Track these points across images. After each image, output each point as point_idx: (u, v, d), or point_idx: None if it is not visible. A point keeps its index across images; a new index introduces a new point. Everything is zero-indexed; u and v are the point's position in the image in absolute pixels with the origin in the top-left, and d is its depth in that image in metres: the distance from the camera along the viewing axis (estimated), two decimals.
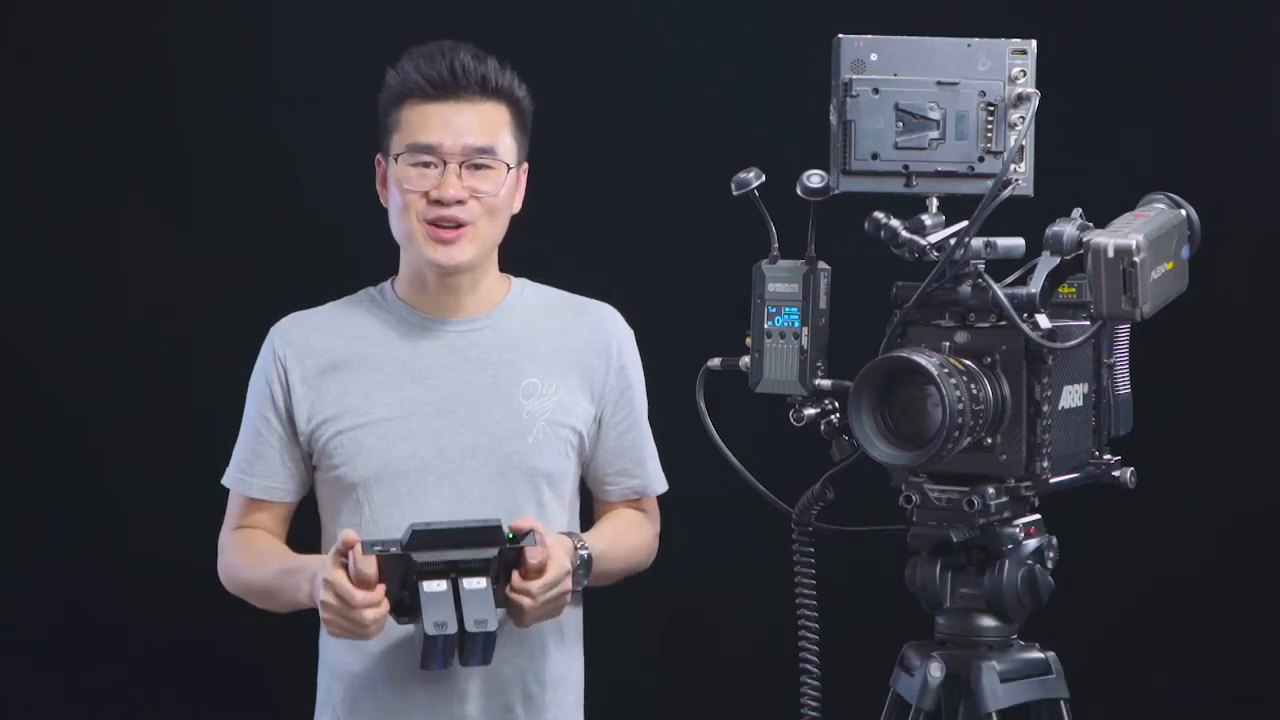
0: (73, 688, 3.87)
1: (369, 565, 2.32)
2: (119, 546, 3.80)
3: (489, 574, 2.35)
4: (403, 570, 2.33)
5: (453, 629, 2.32)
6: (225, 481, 2.64)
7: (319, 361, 2.57)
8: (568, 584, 2.42)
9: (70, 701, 3.88)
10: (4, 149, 3.79)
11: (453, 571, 2.34)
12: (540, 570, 2.38)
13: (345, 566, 2.34)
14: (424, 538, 2.33)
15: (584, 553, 2.49)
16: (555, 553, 2.41)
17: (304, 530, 2.64)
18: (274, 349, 2.59)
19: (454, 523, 2.38)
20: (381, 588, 2.33)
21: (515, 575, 2.38)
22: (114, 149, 3.79)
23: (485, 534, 2.36)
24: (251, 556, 2.57)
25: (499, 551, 2.36)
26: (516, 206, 2.60)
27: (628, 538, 2.63)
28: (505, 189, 2.54)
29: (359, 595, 2.32)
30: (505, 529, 2.37)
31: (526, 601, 2.38)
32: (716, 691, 3.91)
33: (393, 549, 2.33)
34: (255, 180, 3.80)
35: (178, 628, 3.81)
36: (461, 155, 2.51)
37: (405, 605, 2.36)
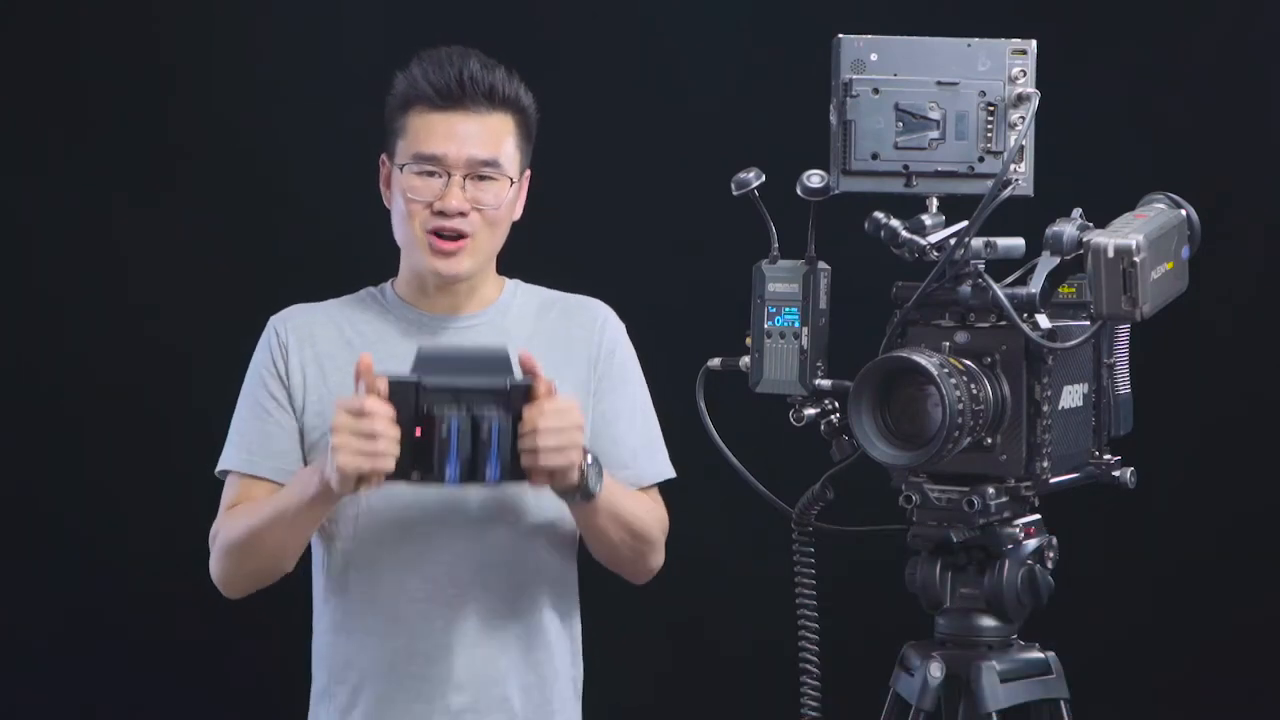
0: (73, 686, 3.87)
1: (381, 383, 2.30)
2: (118, 545, 3.81)
3: (499, 407, 2.32)
4: (413, 401, 2.31)
5: (465, 422, 2.29)
6: (226, 465, 2.58)
7: (318, 352, 2.59)
8: (578, 417, 2.37)
9: (71, 700, 3.88)
10: (3, 148, 3.79)
11: (462, 404, 2.31)
12: (550, 397, 2.34)
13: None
14: (431, 357, 2.33)
15: (592, 455, 2.44)
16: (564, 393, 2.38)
17: None
18: (275, 333, 2.60)
19: (462, 347, 2.39)
20: (393, 410, 2.30)
21: (525, 411, 2.35)
22: (113, 148, 3.79)
23: (493, 361, 2.34)
24: (248, 511, 2.52)
25: (507, 388, 2.33)
26: (517, 214, 2.61)
27: (630, 493, 2.59)
28: (507, 201, 2.55)
29: (369, 400, 2.29)
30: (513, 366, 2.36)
31: (541, 421, 2.32)
32: (716, 691, 3.91)
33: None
34: (255, 180, 3.80)
35: (176, 625, 3.81)
36: (465, 168, 2.52)
37: (416, 452, 2.31)
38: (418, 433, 2.31)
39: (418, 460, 2.32)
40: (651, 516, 2.61)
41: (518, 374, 2.36)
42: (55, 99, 3.78)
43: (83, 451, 3.84)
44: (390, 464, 2.31)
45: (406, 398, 2.31)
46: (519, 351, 2.37)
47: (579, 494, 2.42)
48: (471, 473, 2.31)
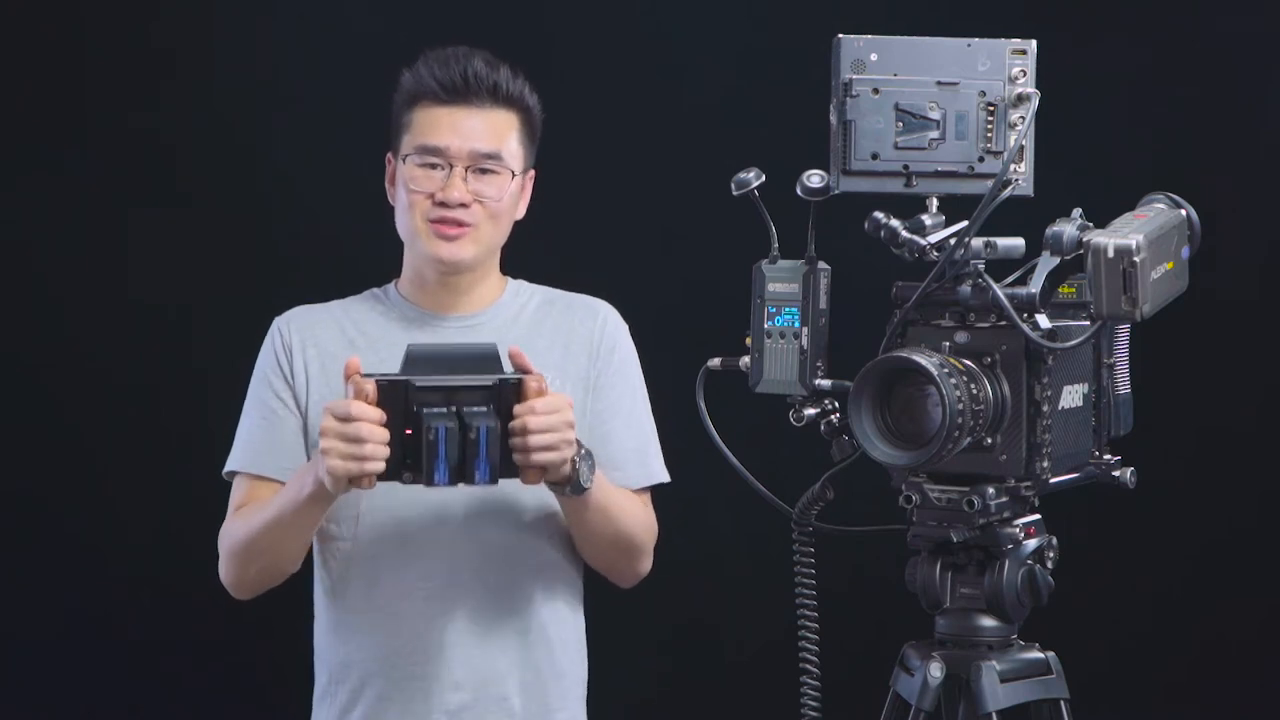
0: (73, 686, 3.87)
1: (369, 384, 2.29)
2: (120, 546, 3.81)
3: (489, 404, 2.32)
4: (403, 401, 2.30)
5: (453, 425, 2.27)
6: (233, 466, 2.59)
7: (321, 351, 2.59)
8: (569, 414, 2.36)
9: (71, 700, 3.88)
10: (3, 149, 3.79)
11: (452, 403, 2.30)
12: (540, 394, 2.34)
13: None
14: (420, 356, 2.31)
15: (584, 449, 2.44)
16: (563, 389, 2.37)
17: None
18: (279, 334, 2.61)
19: (451, 344, 2.37)
20: (380, 414, 2.29)
21: (515, 409, 2.34)
22: (113, 149, 3.79)
23: (482, 358, 2.33)
24: (250, 513, 2.53)
25: (497, 385, 2.32)
26: (520, 212, 2.62)
27: (621, 492, 2.59)
28: (509, 195, 2.56)
29: (355, 405, 2.27)
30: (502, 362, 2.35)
31: (531, 419, 2.32)
32: (716, 691, 3.91)
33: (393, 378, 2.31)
34: (258, 180, 3.80)
35: (177, 625, 3.81)
36: (468, 159, 2.53)
37: (407, 451, 2.30)
38: (408, 432, 2.31)
39: (408, 460, 2.31)
40: (641, 520, 2.61)
41: (508, 369, 2.35)
42: (56, 99, 3.78)
43: (83, 451, 3.84)
44: (378, 466, 2.30)
45: (396, 398, 2.30)
46: (509, 347, 2.38)
47: (570, 487, 2.42)
48: (461, 476, 2.30)
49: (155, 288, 3.82)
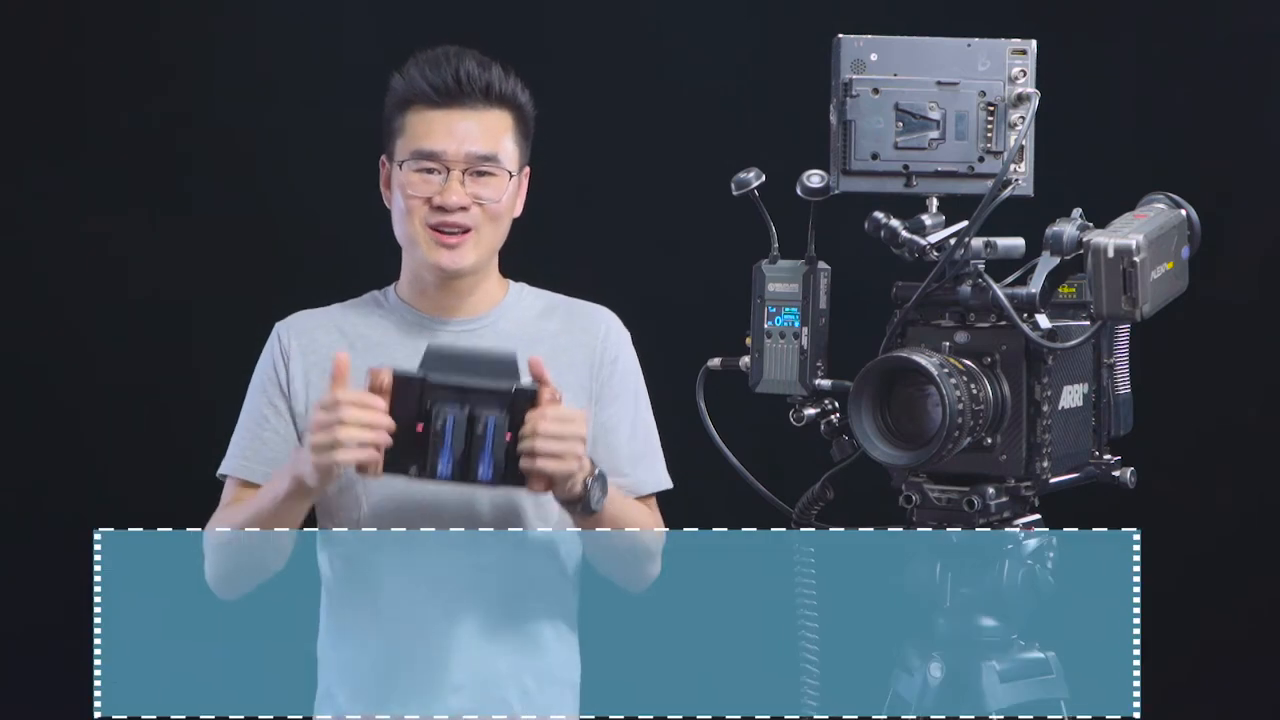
0: (74, 687, 3.87)
1: (385, 375, 2.30)
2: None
3: (502, 409, 2.32)
4: (417, 397, 2.31)
5: (461, 416, 2.29)
6: (224, 469, 2.60)
7: (321, 358, 2.59)
8: (582, 428, 2.36)
9: (72, 700, 3.88)
10: (3, 149, 3.79)
11: (466, 404, 2.31)
12: (554, 404, 2.34)
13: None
14: (439, 355, 2.32)
15: (598, 470, 2.45)
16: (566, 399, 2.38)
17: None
18: (279, 340, 2.62)
19: (471, 348, 2.38)
20: (381, 401, 2.30)
21: (527, 415, 2.34)
22: (113, 149, 3.79)
23: (501, 364, 2.34)
24: (233, 510, 2.54)
25: (513, 393, 2.33)
26: (518, 211, 2.62)
27: (631, 504, 2.60)
28: (507, 195, 2.56)
29: (339, 392, 2.30)
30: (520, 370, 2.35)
31: (541, 424, 2.32)
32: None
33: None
34: (258, 181, 3.80)
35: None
36: (465, 163, 2.53)
37: (415, 448, 2.31)
38: (419, 429, 2.31)
39: (416, 456, 2.32)
40: (647, 521, 2.62)
41: (525, 379, 2.36)
42: (56, 99, 3.78)
43: (83, 451, 3.84)
44: (354, 455, 2.30)
45: (410, 393, 2.31)
46: (529, 357, 2.38)
47: (580, 507, 2.43)
48: (465, 471, 2.31)
49: (155, 288, 3.81)
